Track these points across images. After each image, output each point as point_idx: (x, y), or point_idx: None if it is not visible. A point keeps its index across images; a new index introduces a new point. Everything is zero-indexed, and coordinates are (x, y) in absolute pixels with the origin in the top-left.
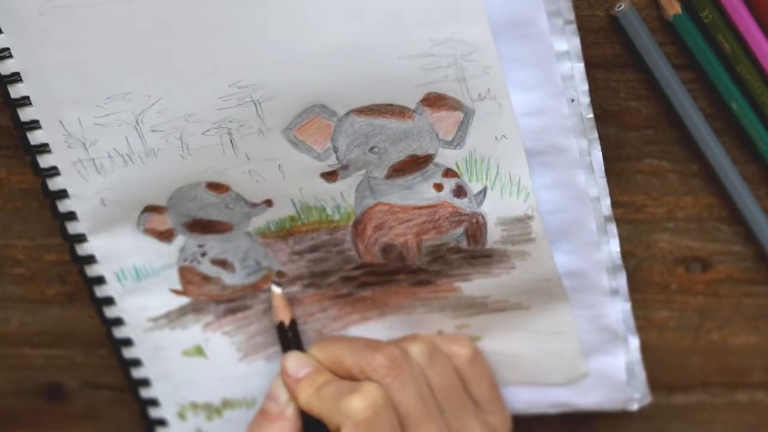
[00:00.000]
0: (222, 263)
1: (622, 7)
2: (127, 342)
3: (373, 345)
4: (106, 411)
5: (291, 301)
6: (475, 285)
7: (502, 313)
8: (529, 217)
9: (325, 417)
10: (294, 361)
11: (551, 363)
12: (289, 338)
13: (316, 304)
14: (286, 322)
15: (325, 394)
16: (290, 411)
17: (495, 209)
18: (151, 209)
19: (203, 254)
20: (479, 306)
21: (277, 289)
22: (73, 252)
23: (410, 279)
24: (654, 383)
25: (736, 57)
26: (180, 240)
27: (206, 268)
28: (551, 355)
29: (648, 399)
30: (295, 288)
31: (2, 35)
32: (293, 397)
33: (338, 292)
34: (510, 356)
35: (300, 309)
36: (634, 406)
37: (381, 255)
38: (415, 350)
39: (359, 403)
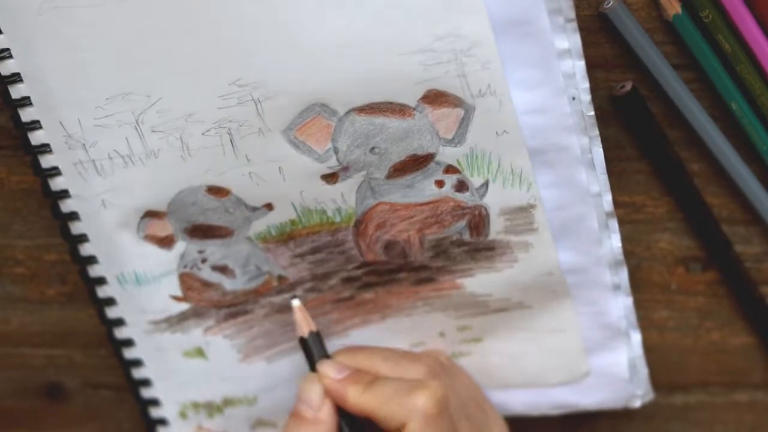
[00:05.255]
0: (222, 269)
1: (610, 4)
2: (128, 342)
3: (410, 356)
4: (106, 411)
5: None
6: (478, 281)
7: (504, 312)
8: (532, 206)
9: (384, 412)
10: (332, 366)
11: (553, 362)
12: (318, 348)
13: (317, 308)
14: (313, 331)
15: (381, 392)
16: (324, 414)
17: (497, 200)
18: (151, 215)
19: (203, 260)
20: (481, 305)
21: (297, 302)
22: (74, 252)
23: (412, 277)
24: (654, 383)
25: (736, 57)
26: (180, 246)
27: (207, 274)
28: (553, 354)
29: (650, 396)
30: (297, 292)
31: (2, 36)
32: (339, 397)
33: (339, 296)
34: (511, 357)
35: None
36: (637, 404)
37: (383, 252)
38: (444, 362)
39: (428, 399)
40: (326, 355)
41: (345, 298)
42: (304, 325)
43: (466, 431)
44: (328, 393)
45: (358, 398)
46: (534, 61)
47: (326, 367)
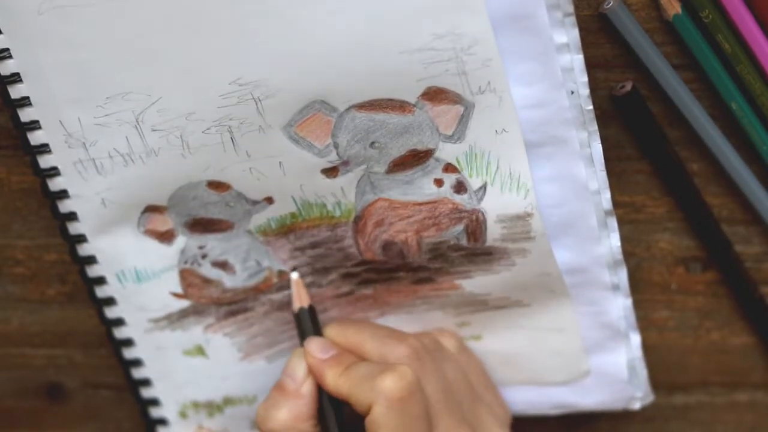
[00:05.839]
0: (222, 265)
1: (610, 4)
2: (128, 342)
3: (397, 335)
4: (106, 411)
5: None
6: (476, 282)
7: (503, 310)
8: (529, 215)
9: (354, 396)
10: (318, 344)
11: (553, 361)
12: (309, 323)
13: (317, 304)
14: (306, 306)
15: (355, 374)
16: (306, 389)
17: (495, 206)
18: (151, 209)
19: (204, 256)
20: (480, 304)
21: (295, 275)
22: (73, 252)
23: (411, 277)
24: (654, 383)
25: (736, 57)
26: (180, 241)
27: (207, 270)
28: (553, 353)
29: (650, 398)
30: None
31: (2, 36)
32: (318, 378)
33: (339, 291)
34: (511, 355)
35: None
36: (637, 406)
37: (381, 252)
38: (431, 345)
39: (395, 382)
40: (318, 331)
41: (344, 293)
42: (298, 300)
43: (444, 418)
44: (310, 371)
45: (335, 381)
46: (533, 56)
47: (312, 345)
